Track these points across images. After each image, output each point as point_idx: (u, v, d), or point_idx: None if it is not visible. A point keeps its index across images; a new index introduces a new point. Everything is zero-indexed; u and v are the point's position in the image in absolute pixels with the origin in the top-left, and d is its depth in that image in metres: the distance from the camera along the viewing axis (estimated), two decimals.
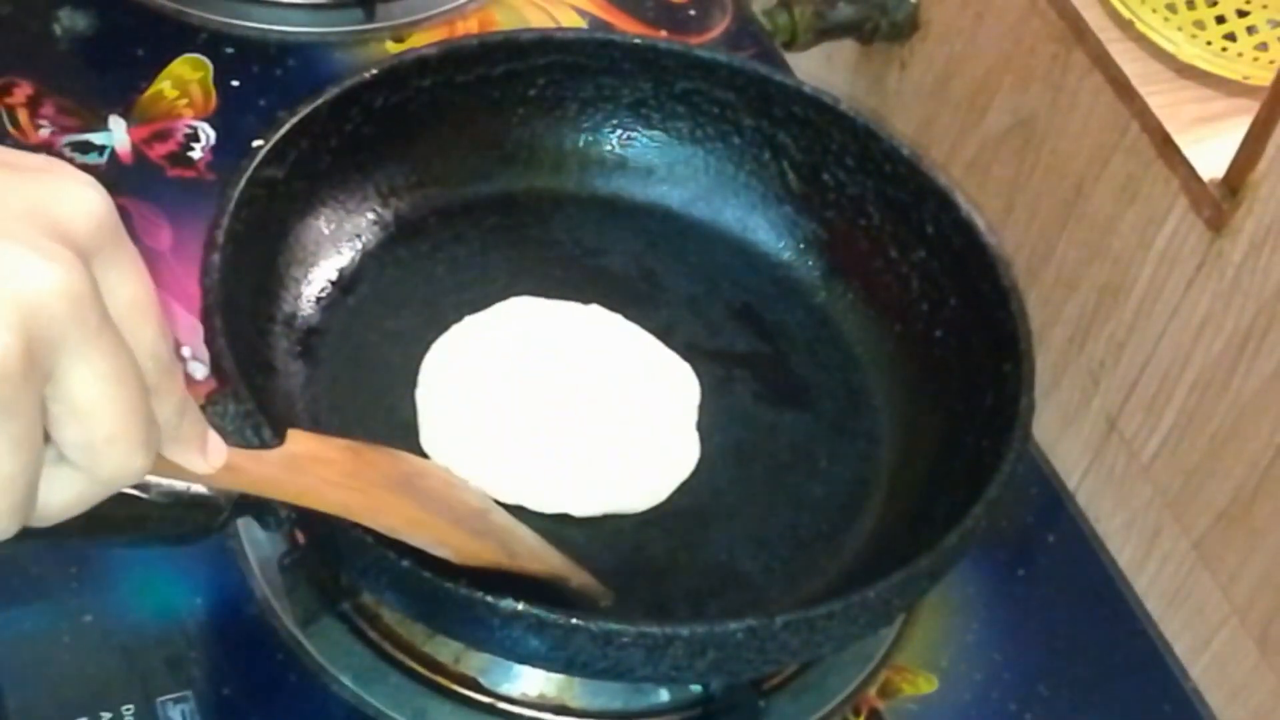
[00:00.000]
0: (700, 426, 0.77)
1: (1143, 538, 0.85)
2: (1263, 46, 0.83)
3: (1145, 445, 0.84)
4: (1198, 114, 0.83)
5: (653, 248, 0.85)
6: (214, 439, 0.45)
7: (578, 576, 0.66)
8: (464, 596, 0.60)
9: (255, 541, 0.74)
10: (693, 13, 1.03)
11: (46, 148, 0.87)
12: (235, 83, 0.92)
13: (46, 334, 0.36)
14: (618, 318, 0.80)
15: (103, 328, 0.37)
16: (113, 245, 0.39)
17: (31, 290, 0.36)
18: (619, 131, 0.86)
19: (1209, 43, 0.84)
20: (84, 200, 0.38)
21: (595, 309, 0.80)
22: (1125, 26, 0.85)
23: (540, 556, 0.65)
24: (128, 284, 0.39)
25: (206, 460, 0.44)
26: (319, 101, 0.76)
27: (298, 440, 0.54)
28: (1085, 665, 0.79)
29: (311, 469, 0.54)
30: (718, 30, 1.02)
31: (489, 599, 0.60)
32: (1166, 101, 0.82)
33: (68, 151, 0.87)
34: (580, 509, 0.72)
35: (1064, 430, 0.90)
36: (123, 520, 0.58)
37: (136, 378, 0.39)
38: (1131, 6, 0.85)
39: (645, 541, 0.73)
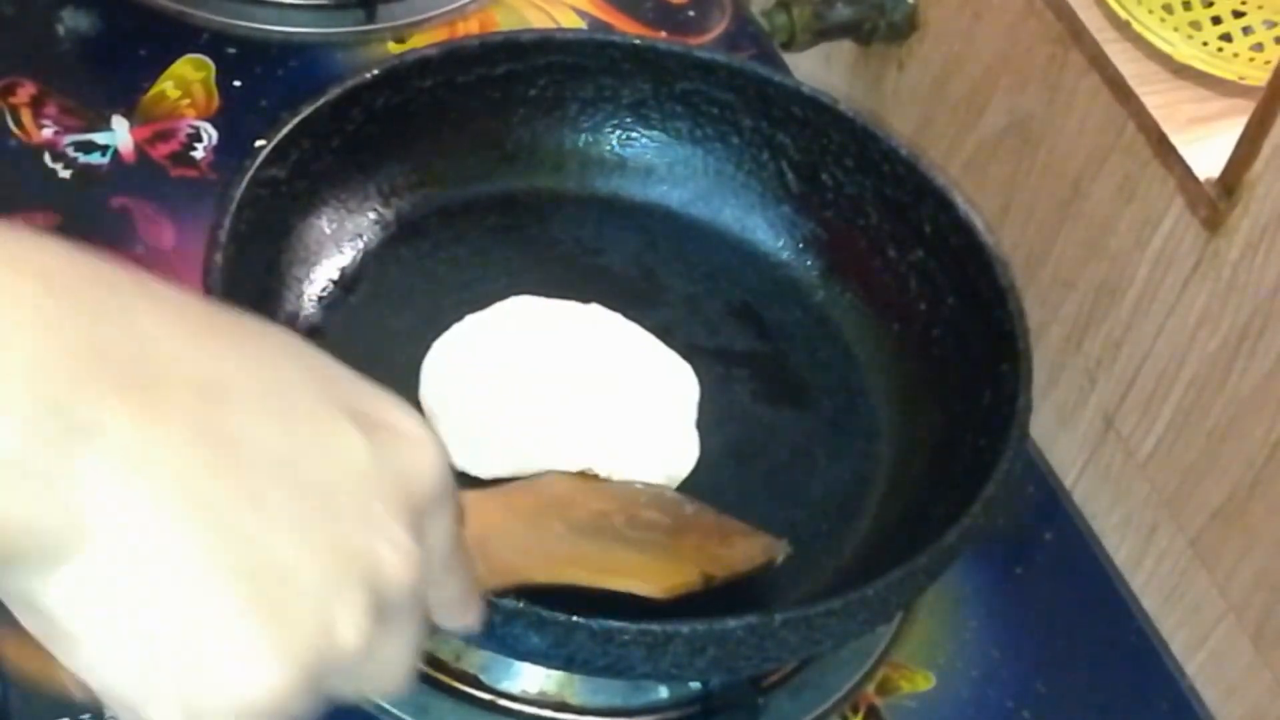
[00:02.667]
0: (700, 425, 0.77)
1: (1139, 535, 0.85)
2: (1258, 47, 0.84)
3: (1142, 443, 0.85)
4: (1194, 114, 0.83)
5: (652, 247, 0.85)
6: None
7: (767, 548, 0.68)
8: None
9: None
10: (692, 13, 1.03)
11: (49, 148, 0.87)
12: (237, 83, 0.93)
13: (383, 611, 0.40)
14: (617, 317, 0.80)
15: (418, 607, 0.42)
16: (444, 499, 0.43)
17: (385, 583, 0.40)
18: (619, 131, 0.86)
19: (1205, 43, 0.84)
20: (432, 473, 0.42)
21: (595, 308, 0.80)
22: (1122, 27, 0.85)
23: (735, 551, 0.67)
24: (446, 526, 0.43)
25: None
26: (321, 102, 0.76)
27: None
28: (1082, 662, 0.80)
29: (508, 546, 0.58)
30: (716, 31, 1.02)
31: (490, 596, 0.60)
32: (1163, 102, 0.83)
33: (70, 151, 0.88)
34: None
35: (1061, 428, 0.90)
36: None
37: (421, 640, 0.43)
38: (1128, 7, 0.85)
39: None
